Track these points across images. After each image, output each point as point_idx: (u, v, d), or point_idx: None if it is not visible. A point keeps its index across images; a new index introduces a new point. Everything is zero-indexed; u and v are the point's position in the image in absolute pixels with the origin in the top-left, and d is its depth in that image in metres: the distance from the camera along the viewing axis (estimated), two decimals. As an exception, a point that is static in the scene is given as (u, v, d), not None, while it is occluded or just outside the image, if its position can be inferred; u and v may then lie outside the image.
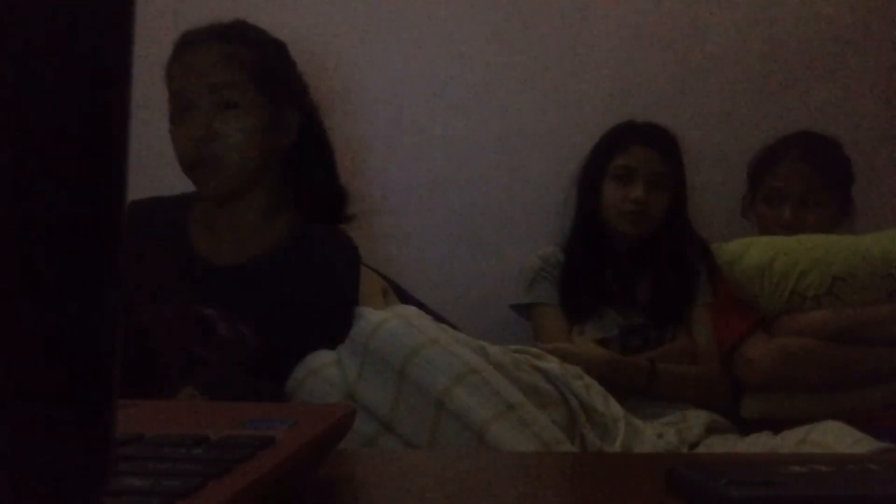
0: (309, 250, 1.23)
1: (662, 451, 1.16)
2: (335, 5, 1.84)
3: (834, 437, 1.08)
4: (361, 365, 0.99)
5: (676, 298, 1.59)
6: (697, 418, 1.38)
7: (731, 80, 1.85)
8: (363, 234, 1.82)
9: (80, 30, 0.17)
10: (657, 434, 1.22)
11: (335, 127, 1.83)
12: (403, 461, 0.48)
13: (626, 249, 1.64)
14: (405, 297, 1.49)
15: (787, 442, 1.15)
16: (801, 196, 1.63)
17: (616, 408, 1.15)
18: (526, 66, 1.85)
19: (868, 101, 1.85)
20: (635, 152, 1.61)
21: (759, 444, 1.25)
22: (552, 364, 1.12)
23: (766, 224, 1.68)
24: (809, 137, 1.70)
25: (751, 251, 1.56)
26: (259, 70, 1.20)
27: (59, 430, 0.18)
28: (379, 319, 1.01)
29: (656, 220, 1.61)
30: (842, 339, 1.44)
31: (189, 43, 1.20)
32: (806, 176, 1.63)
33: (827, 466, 0.37)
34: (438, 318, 1.18)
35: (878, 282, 1.46)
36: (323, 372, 1.04)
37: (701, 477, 0.36)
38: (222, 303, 1.15)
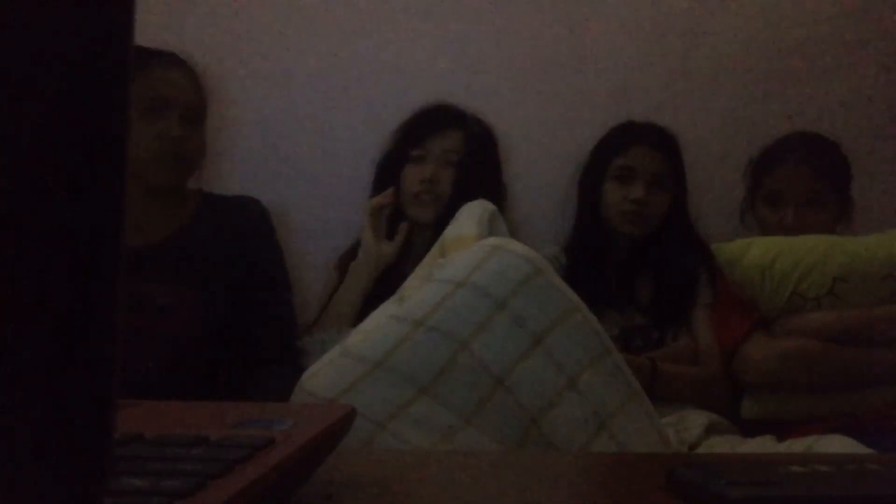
0: (218, 221, 1.40)
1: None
2: (335, 4, 1.84)
3: (838, 450, 1.07)
4: (456, 285, 0.86)
5: (677, 299, 1.59)
6: (697, 419, 1.37)
7: (731, 80, 1.85)
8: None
9: (79, 29, 0.17)
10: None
11: (336, 127, 1.83)
12: (402, 462, 0.49)
13: (627, 250, 1.64)
14: None
15: (791, 451, 1.15)
16: (802, 197, 1.63)
17: None
18: (526, 66, 1.85)
19: (868, 101, 1.85)
20: (635, 152, 1.61)
21: (761, 449, 1.25)
22: None
23: (766, 226, 1.68)
24: (807, 138, 1.70)
25: (751, 252, 1.56)
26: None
27: (59, 431, 0.18)
28: (487, 246, 0.91)
29: (656, 221, 1.61)
30: (842, 341, 1.44)
31: (157, 59, 1.39)
32: (806, 177, 1.63)
33: (827, 466, 0.37)
34: None
35: (879, 283, 1.46)
36: (342, 357, 0.96)
37: (701, 477, 0.36)
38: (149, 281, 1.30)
